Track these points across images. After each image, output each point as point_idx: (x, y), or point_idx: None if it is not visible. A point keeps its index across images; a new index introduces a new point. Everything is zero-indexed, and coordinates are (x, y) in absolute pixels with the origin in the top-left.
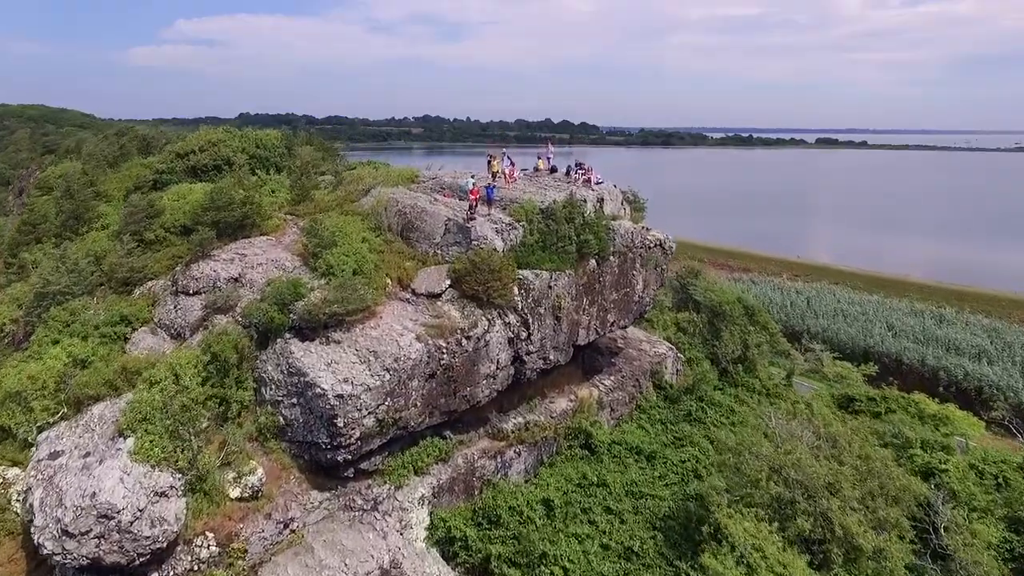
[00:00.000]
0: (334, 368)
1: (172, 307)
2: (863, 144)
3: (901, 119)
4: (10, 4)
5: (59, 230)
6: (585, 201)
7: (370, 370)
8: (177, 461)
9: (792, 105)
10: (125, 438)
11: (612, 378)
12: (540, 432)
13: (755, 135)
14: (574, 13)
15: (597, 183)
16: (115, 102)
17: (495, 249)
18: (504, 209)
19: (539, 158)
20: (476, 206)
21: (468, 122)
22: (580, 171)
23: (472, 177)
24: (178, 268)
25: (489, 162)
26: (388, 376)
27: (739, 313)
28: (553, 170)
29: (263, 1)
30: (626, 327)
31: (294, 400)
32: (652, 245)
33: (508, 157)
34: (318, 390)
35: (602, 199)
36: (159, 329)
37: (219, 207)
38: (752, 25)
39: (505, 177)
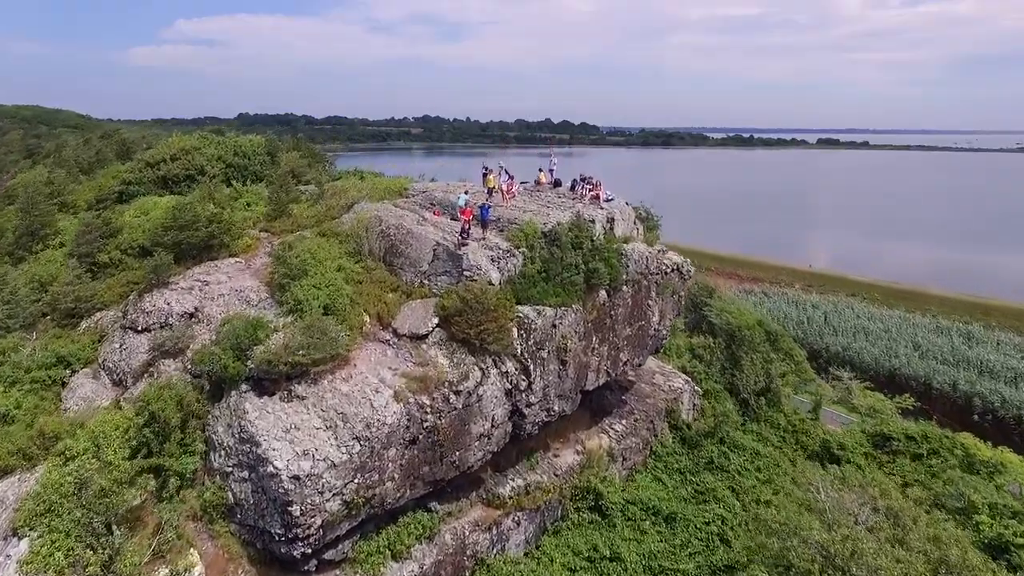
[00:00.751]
0: (293, 436)
1: (118, 346)
2: (865, 144)
3: (901, 119)
4: (9, 4)
5: (12, 248)
6: (593, 222)
7: (337, 439)
8: (87, 567)
9: (792, 105)
10: (20, 539)
11: (624, 422)
12: (543, 495)
13: (756, 135)
14: (574, 13)
15: (607, 200)
16: (115, 102)
17: (490, 282)
18: (501, 231)
19: (541, 171)
20: (469, 228)
21: (468, 122)
22: (586, 186)
23: (466, 193)
24: (131, 297)
25: (485, 176)
26: (359, 447)
27: (760, 339)
28: (556, 184)
29: (263, 1)
30: (640, 364)
31: (245, 474)
32: (669, 270)
33: (506, 171)
34: (271, 468)
35: (612, 219)
36: (101, 372)
37: (182, 226)
38: (752, 25)
39: (502, 194)
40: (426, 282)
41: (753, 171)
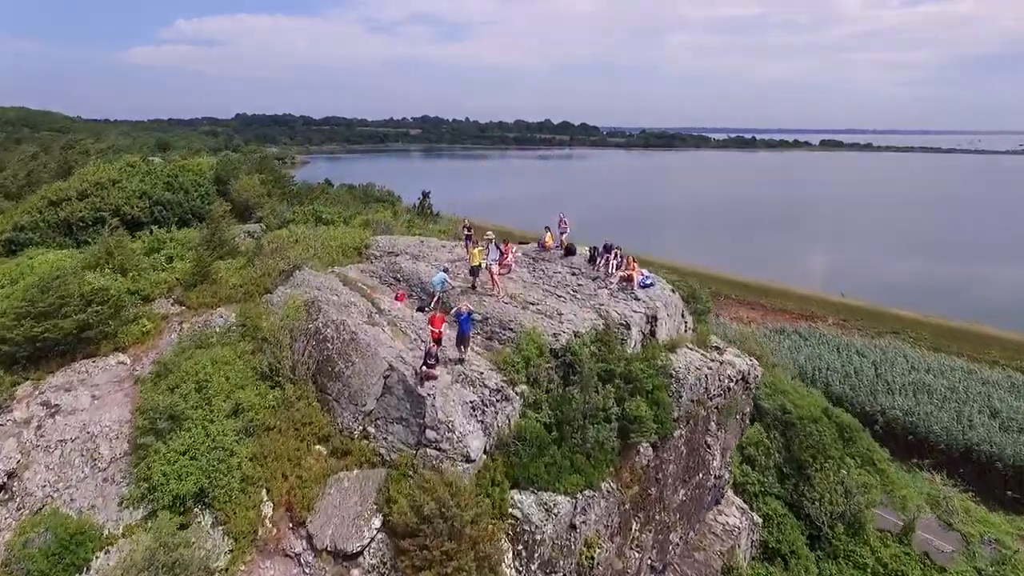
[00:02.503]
0: None
1: None
2: (868, 146)
3: (901, 119)
4: (6, 2)
5: None
6: (628, 327)
7: None
8: None
9: (792, 105)
10: None
11: None
12: None
13: (757, 137)
14: (574, 13)
15: (643, 285)
16: (113, 103)
17: (468, 457)
18: (489, 342)
19: (547, 229)
20: (436, 352)
21: (467, 123)
22: (612, 260)
23: (445, 271)
24: None
25: (467, 241)
26: None
27: (831, 437)
28: (569, 252)
29: (263, 1)
30: (695, 534)
31: None
32: (732, 384)
33: (497, 245)
34: None
35: (655, 317)
36: None
37: (43, 312)
38: (752, 25)
39: (491, 278)
40: (371, 431)
41: (759, 176)
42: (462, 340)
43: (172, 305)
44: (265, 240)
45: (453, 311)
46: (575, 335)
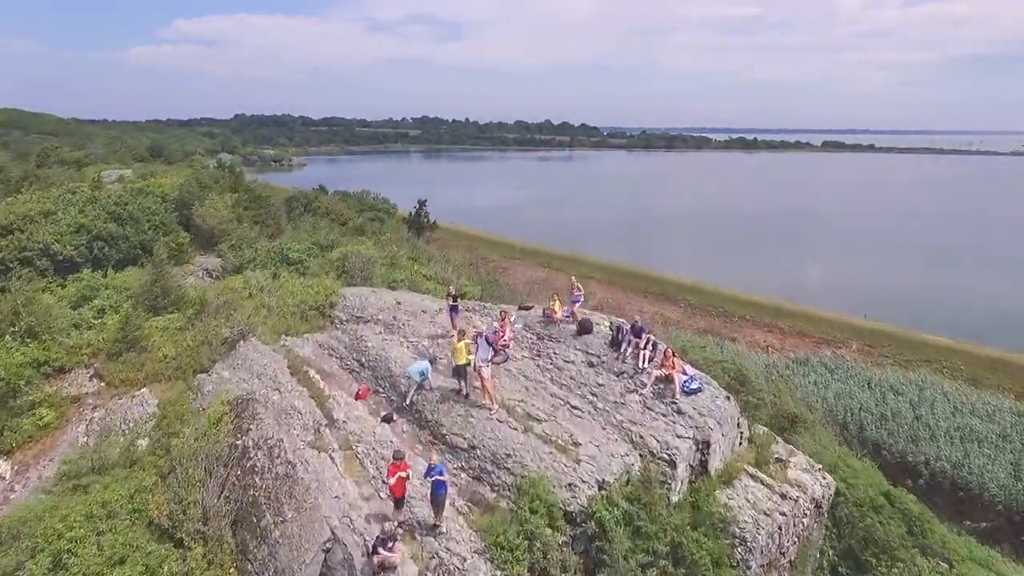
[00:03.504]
0: None
1: None
2: (871, 147)
3: (902, 119)
4: (4, 4)
5: None
6: (672, 464)
7: None
8: None
9: (792, 105)
10: None
11: None
12: None
13: (758, 137)
14: (574, 13)
15: (688, 392)
16: (111, 103)
17: None
18: (477, 494)
19: (554, 298)
20: (396, 526)
21: (466, 123)
22: (643, 346)
23: (430, 361)
24: None
25: (453, 311)
26: None
27: (897, 532)
28: (583, 330)
29: (263, 1)
30: None
31: None
32: (808, 520)
33: (486, 338)
34: None
35: (707, 443)
36: None
37: None
38: (753, 25)
39: (484, 386)
40: None
41: (764, 179)
42: (435, 503)
43: (90, 380)
44: (213, 292)
45: (427, 469)
46: (600, 486)
